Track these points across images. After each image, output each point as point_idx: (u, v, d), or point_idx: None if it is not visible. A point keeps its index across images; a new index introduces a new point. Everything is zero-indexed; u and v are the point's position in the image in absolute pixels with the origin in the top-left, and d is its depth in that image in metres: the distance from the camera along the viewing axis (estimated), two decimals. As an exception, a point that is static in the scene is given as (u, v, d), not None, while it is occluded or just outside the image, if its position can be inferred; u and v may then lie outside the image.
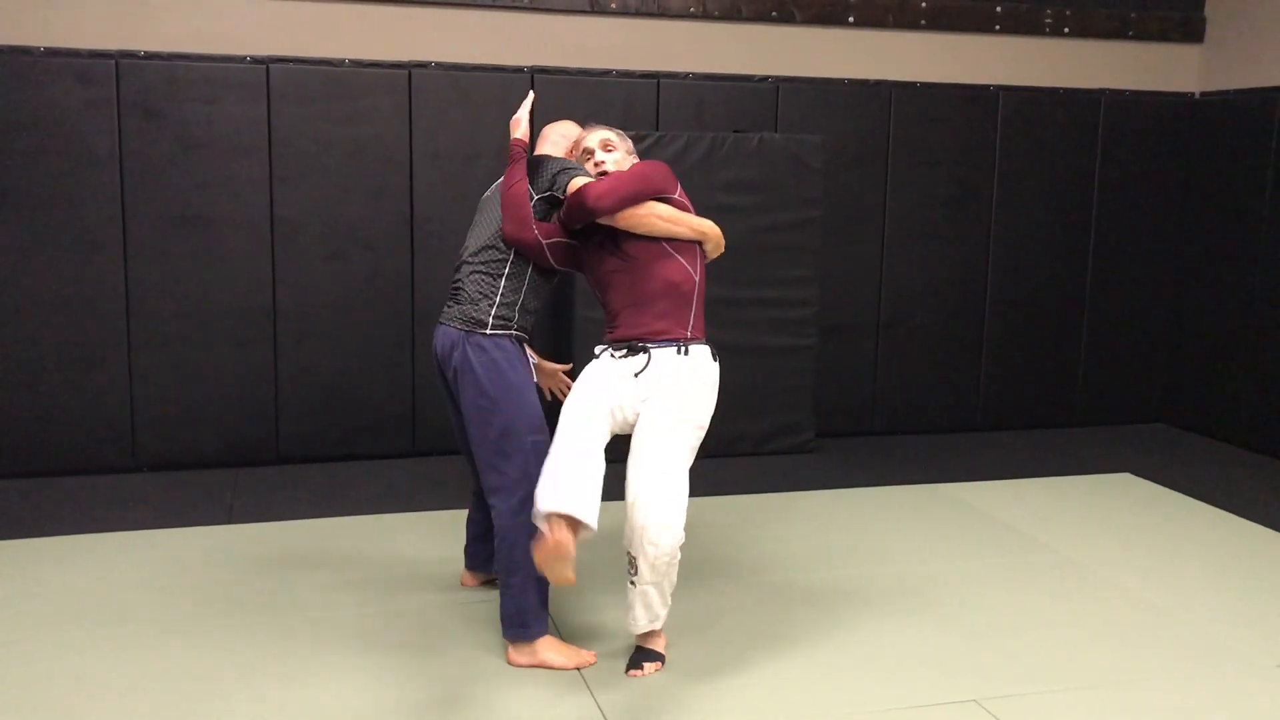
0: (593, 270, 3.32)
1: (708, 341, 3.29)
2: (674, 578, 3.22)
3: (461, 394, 3.30)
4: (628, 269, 3.22)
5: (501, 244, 3.35)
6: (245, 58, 5.26)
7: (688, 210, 3.30)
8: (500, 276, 3.34)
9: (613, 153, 3.39)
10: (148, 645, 3.42)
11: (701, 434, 3.21)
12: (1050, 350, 6.49)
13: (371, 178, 5.44)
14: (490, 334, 3.30)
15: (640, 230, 3.19)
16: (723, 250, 3.40)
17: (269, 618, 3.64)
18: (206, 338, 5.33)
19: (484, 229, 3.42)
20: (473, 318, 3.31)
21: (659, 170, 3.25)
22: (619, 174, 3.23)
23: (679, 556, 3.18)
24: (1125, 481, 5.42)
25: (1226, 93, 6.31)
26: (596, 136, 3.42)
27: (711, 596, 3.87)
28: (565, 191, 3.28)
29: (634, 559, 3.13)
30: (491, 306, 3.32)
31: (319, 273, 5.43)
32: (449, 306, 3.41)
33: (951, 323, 6.31)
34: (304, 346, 5.46)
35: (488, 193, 3.57)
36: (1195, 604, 3.90)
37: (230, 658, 3.36)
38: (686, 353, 3.20)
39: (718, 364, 3.27)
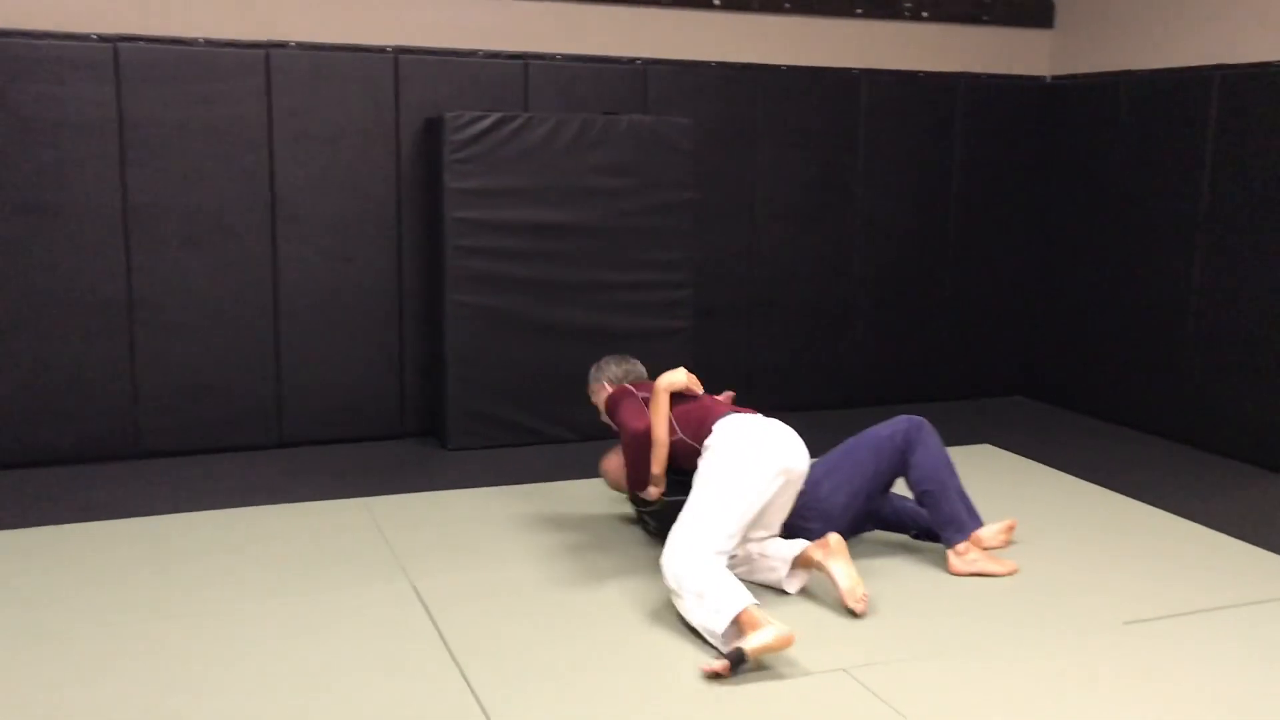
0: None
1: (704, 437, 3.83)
2: (701, 600, 3.35)
3: None
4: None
5: None
6: (91, 35, 5.03)
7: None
8: None
9: (599, 402, 4.22)
10: (-3, 652, 3.27)
11: (704, 495, 3.62)
12: (914, 327, 6.67)
13: (230, 161, 5.27)
14: None
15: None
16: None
17: (130, 618, 3.52)
18: (58, 330, 5.10)
19: None
20: None
21: (630, 444, 3.92)
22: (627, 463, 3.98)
23: (690, 585, 3.40)
24: (985, 452, 5.61)
25: (1076, 76, 6.57)
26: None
27: (593, 571, 3.89)
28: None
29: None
30: None
31: (177, 260, 5.24)
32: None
33: (821, 302, 6.44)
34: (163, 336, 5.27)
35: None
36: (1052, 567, 4.06)
37: (90, 663, 3.23)
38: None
39: (720, 439, 3.75)
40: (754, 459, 3.67)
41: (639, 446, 3.88)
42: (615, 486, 4.44)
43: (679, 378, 3.95)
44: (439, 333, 5.51)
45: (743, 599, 3.27)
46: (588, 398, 4.37)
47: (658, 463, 3.86)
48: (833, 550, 3.63)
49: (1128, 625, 3.59)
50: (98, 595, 3.69)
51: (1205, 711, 3.06)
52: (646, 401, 3.99)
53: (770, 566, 3.75)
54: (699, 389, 4.01)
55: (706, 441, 3.78)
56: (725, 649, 3.27)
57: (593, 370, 4.32)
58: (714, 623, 3.30)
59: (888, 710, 3.03)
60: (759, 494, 3.64)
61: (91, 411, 5.20)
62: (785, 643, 3.20)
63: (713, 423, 3.82)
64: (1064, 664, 3.32)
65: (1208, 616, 3.67)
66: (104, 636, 3.39)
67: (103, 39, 5.04)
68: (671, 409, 3.91)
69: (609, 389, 4.20)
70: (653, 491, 3.94)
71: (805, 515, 3.91)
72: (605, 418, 4.21)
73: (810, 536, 3.85)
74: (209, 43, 5.20)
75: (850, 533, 4.06)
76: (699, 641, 3.39)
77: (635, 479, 3.95)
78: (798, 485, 3.83)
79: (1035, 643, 3.46)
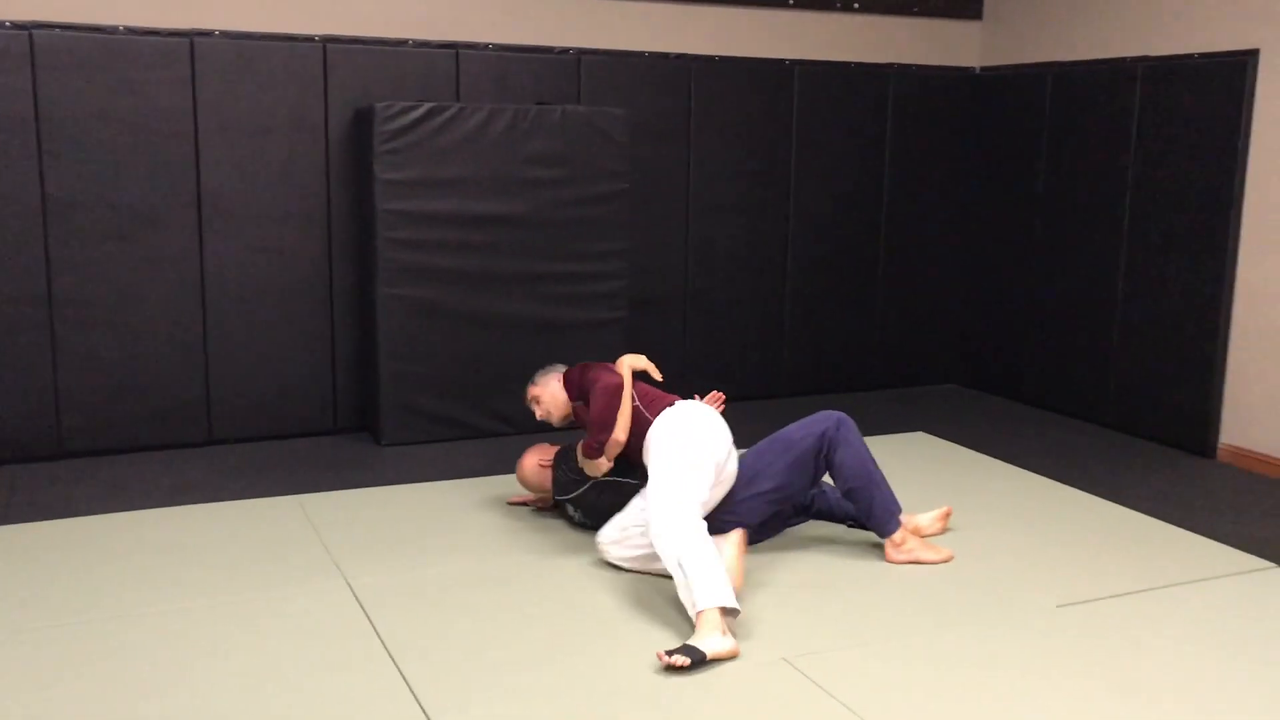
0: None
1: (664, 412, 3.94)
2: (688, 571, 3.38)
3: None
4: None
5: None
6: (5, 23, 4.87)
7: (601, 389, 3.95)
8: None
9: (539, 404, 4.22)
10: (-87, 661, 3.16)
11: (665, 462, 3.70)
12: (848, 317, 6.72)
13: (153, 153, 5.13)
14: None
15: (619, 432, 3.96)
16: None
17: (56, 622, 3.42)
18: (-27, 327, 4.95)
19: None
20: None
21: (600, 402, 3.91)
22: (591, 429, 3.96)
23: (676, 552, 3.42)
24: (920, 440, 5.67)
25: (1004, 68, 6.65)
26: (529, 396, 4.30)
27: (531, 565, 3.86)
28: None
29: None
30: None
31: (100, 254, 5.10)
32: None
33: (755, 291, 6.46)
34: (86, 333, 5.12)
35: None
36: (986, 553, 4.12)
37: (15, 668, 3.13)
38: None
39: (671, 417, 3.88)
40: (703, 433, 3.79)
41: (613, 395, 3.91)
42: (536, 488, 4.40)
43: (640, 360, 4.07)
44: (371, 326, 5.43)
45: (728, 597, 3.32)
46: (524, 392, 4.32)
47: (622, 429, 3.90)
48: (727, 541, 3.63)
49: (1060, 608, 3.65)
50: (21, 600, 3.58)
51: (1136, 691, 3.12)
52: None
53: None
54: (657, 375, 4.10)
55: (657, 418, 3.87)
56: (694, 616, 3.34)
57: (540, 371, 4.31)
58: (703, 598, 3.31)
59: (828, 698, 3.04)
60: (711, 463, 3.73)
61: (11, 411, 5.05)
62: (733, 655, 3.27)
63: (664, 403, 3.95)
64: (998, 648, 3.36)
65: (1138, 598, 3.74)
66: (29, 641, 3.29)
67: (16, 26, 4.88)
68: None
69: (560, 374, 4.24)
70: (602, 464, 3.95)
71: (719, 511, 3.90)
72: (548, 412, 4.20)
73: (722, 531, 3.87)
74: (129, 30, 5.06)
75: (761, 534, 4.08)
76: (637, 634, 3.38)
77: (595, 442, 3.93)
78: (726, 486, 3.88)
79: (970, 627, 3.50)
